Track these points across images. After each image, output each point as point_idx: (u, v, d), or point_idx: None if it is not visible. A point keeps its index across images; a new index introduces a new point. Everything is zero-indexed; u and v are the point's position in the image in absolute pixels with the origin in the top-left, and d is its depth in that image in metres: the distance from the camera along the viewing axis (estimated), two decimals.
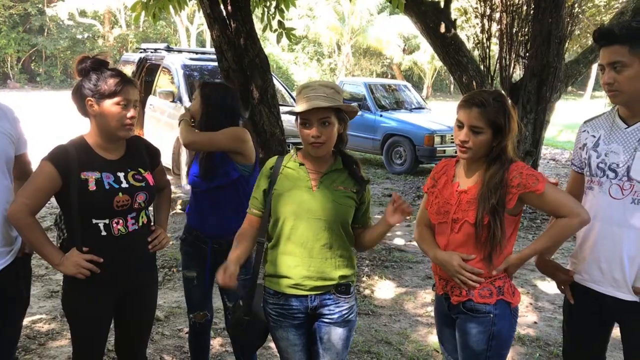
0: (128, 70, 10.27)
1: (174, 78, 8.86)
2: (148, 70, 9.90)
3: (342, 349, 2.39)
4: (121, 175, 2.35)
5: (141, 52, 10.48)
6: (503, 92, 2.35)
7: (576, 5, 8.86)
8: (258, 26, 6.78)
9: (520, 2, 8.31)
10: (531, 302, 4.76)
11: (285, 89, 9.86)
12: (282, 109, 5.65)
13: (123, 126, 2.30)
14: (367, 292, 4.87)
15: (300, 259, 2.29)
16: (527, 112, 8.30)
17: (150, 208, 2.57)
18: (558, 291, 2.52)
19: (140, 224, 2.44)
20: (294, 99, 9.62)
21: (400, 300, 4.72)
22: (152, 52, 10.06)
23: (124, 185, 2.34)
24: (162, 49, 9.92)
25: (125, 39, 31.39)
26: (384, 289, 4.97)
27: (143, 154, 2.50)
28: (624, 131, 2.22)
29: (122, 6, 28.57)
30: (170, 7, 5.87)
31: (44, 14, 29.29)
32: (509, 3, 8.48)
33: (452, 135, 10.78)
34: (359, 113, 11.66)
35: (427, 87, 33.96)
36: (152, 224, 2.57)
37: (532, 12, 8.20)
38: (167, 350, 3.73)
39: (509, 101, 2.28)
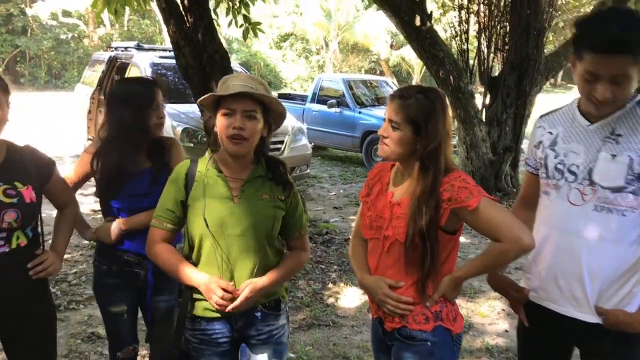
0: (99, 69, 9.99)
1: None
2: (118, 70, 9.57)
3: None
4: None
5: (112, 51, 10.17)
6: (439, 89, 2.02)
7: None
8: (225, 21, 6.48)
9: None
10: (504, 307, 4.49)
11: None
12: None
13: None
14: (330, 300, 4.60)
15: (225, 278, 2.01)
16: (507, 106, 8.08)
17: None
18: None
19: (14, 245, 2.13)
20: None
21: (364, 309, 4.44)
22: (122, 51, 9.75)
23: None
24: (132, 47, 9.61)
25: (110, 38, 30.93)
26: (349, 297, 4.69)
27: (26, 166, 2.18)
28: (586, 129, 1.93)
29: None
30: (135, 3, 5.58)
31: (26, 15, 28.82)
32: None
33: None
34: (338, 110, 11.34)
35: (416, 82, 33.70)
36: (40, 247, 2.26)
37: (509, 3, 7.95)
38: None
39: (443, 101, 1.98)
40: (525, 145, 9.18)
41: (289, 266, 2.14)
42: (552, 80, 38.54)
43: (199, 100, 2.07)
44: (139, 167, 2.53)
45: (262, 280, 2.02)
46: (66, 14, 28.68)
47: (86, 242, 5.08)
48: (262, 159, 2.13)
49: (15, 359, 2.27)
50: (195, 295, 2.06)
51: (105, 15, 31.37)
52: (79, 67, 28.86)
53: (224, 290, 1.94)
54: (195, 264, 2.06)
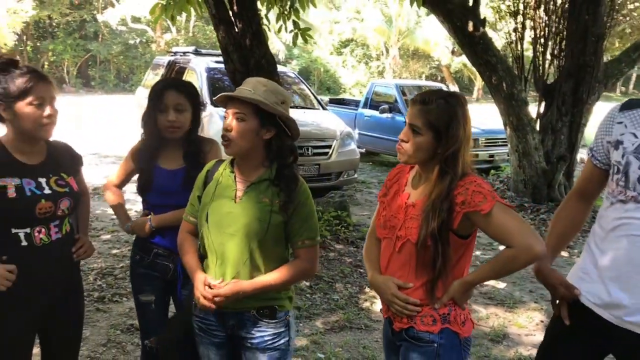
0: (159, 73, 10.38)
1: (198, 80, 8.82)
2: (177, 73, 9.90)
3: None
4: (43, 180, 2.21)
5: (172, 56, 10.55)
6: (461, 94, 2.02)
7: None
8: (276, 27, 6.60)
9: None
10: (542, 319, 4.39)
11: (310, 91, 9.66)
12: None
13: (41, 127, 2.15)
14: (365, 304, 4.61)
15: (216, 275, 2.09)
16: (562, 114, 7.85)
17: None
18: None
19: (64, 232, 2.30)
20: (319, 102, 9.47)
21: None
22: (180, 56, 10.10)
23: (47, 191, 2.20)
24: (190, 52, 9.94)
25: (176, 43, 31.96)
26: None
27: (66, 158, 2.37)
28: None
29: None
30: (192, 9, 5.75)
31: (97, 21, 30.18)
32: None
33: (486, 139, 10.37)
34: (389, 116, 11.20)
35: (478, 89, 33.13)
36: (76, 232, 2.43)
37: (567, 8, 7.74)
38: None
39: (464, 106, 1.96)
40: (582, 154, 8.84)
41: (281, 275, 2.07)
42: (622, 88, 37.02)
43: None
44: (172, 166, 2.64)
45: (246, 283, 2.04)
46: (135, 19, 29.83)
47: None
48: (274, 163, 2.11)
49: (61, 333, 2.41)
50: None
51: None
52: (145, 71, 29.91)
53: (208, 287, 2.02)
54: (203, 257, 2.15)
